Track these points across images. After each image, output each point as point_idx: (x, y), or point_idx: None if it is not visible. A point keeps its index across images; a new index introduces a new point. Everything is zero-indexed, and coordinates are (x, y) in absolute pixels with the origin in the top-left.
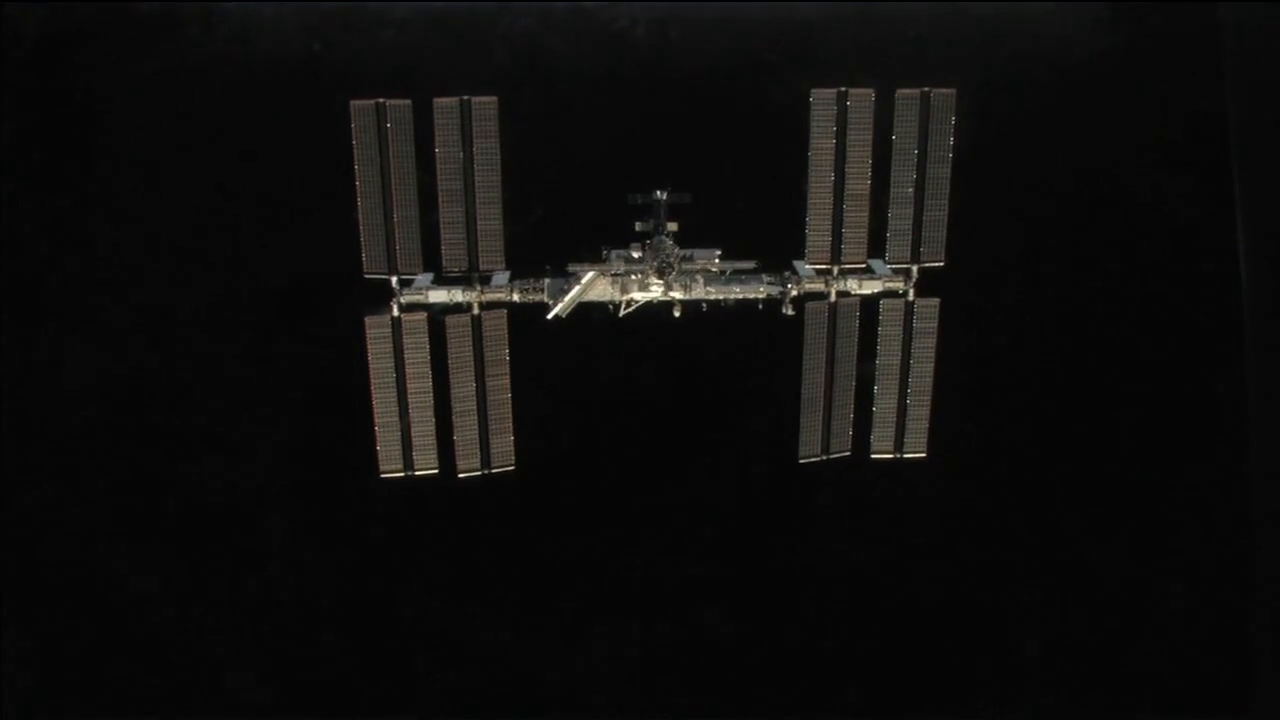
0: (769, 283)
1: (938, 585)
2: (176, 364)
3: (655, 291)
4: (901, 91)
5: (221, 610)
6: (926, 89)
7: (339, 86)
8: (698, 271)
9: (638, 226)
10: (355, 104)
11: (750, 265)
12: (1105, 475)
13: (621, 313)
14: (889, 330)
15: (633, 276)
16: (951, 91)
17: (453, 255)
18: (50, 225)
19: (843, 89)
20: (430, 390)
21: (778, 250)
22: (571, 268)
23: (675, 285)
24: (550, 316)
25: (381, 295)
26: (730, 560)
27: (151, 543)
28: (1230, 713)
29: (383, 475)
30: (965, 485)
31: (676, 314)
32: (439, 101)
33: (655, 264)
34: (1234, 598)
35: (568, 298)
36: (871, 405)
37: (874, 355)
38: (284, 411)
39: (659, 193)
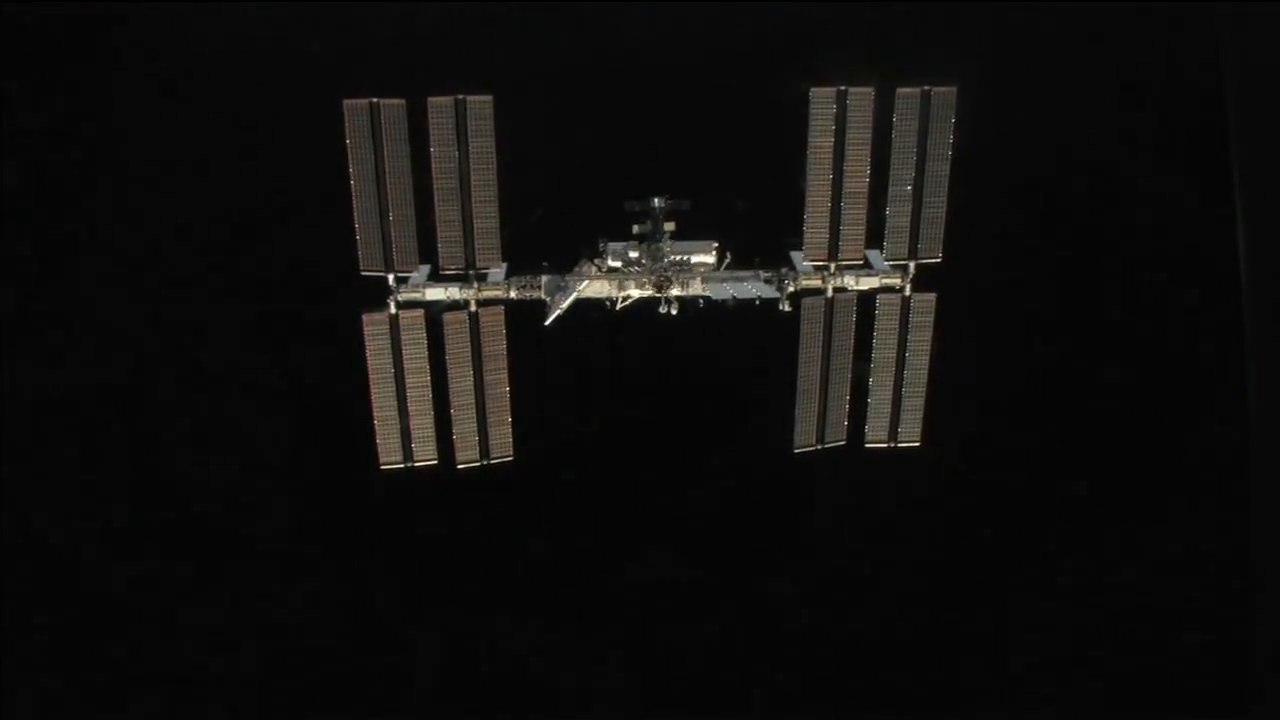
0: (766, 279)
1: (935, 583)
2: (174, 362)
3: (652, 289)
4: (902, 90)
5: (219, 608)
6: (927, 87)
7: (338, 85)
8: (695, 270)
9: (635, 229)
10: (348, 103)
11: (749, 273)
12: (1104, 473)
13: (618, 306)
14: (885, 324)
15: (628, 276)
16: (952, 89)
17: (449, 253)
18: (49, 224)
19: (842, 88)
20: (428, 385)
21: (775, 247)
22: (568, 278)
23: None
24: (548, 323)
25: (379, 292)
26: (726, 550)
27: (148, 540)
28: (1230, 713)
29: (382, 467)
30: (962, 481)
31: (674, 312)
32: (433, 100)
33: (654, 277)
34: (1234, 598)
35: (565, 303)
36: (867, 398)
37: (870, 351)
38: (282, 408)
39: (656, 200)
